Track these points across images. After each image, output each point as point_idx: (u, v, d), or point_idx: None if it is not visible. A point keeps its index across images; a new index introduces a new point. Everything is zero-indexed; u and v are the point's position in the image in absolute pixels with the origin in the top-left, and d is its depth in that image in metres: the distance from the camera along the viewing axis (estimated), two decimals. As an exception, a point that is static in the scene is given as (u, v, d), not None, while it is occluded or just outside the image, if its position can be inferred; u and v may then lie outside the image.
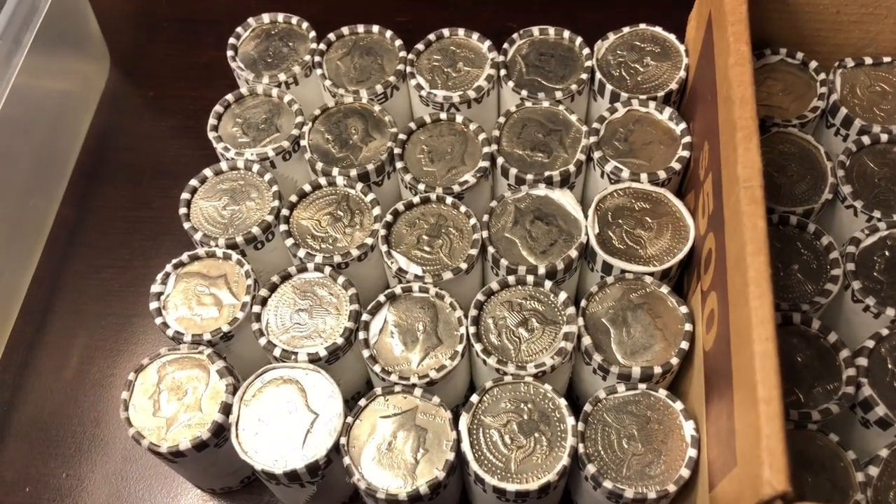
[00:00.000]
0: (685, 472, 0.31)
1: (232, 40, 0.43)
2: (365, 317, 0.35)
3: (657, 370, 0.33)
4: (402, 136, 0.40)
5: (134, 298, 0.44)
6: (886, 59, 0.40)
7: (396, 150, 0.40)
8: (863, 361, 0.33)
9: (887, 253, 0.35)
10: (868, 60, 0.40)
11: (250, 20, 0.44)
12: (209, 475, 0.37)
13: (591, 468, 0.32)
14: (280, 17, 0.44)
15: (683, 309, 0.35)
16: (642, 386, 0.33)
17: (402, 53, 0.43)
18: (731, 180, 0.29)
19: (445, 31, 0.43)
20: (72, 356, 0.43)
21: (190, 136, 0.48)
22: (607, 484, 0.31)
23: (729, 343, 0.29)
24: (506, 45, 0.43)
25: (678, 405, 0.33)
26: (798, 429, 0.32)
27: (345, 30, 0.44)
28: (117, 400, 0.41)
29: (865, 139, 0.38)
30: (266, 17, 0.44)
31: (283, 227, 0.38)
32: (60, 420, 0.42)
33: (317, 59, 0.43)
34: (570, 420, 0.33)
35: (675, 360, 0.34)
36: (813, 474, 0.31)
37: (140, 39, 0.55)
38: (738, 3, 0.32)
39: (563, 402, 0.33)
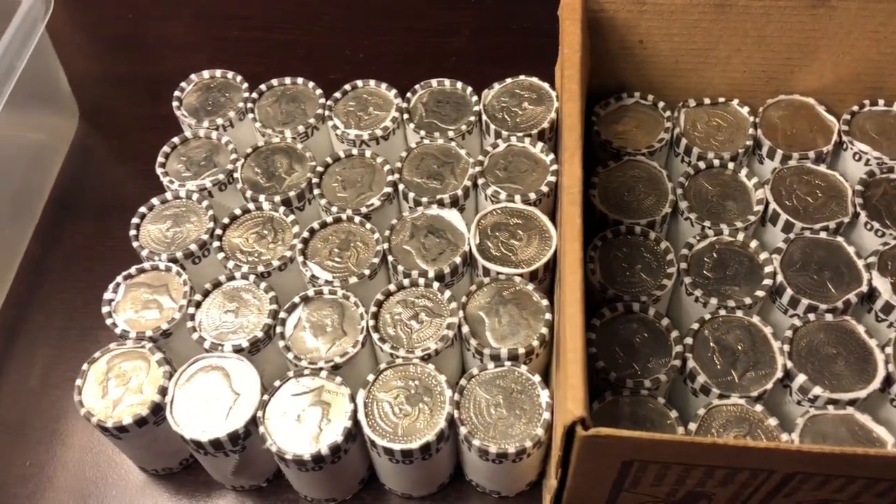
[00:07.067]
0: (539, 431, 0.38)
1: (177, 93, 0.51)
2: (282, 315, 0.42)
3: (521, 351, 0.40)
4: (319, 169, 0.48)
5: (95, 313, 0.50)
6: (721, 100, 0.48)
7: (314, 180, 0.47)
8: (689, 340, 0.40)
9: (715, 255, 0.43)
10: (706, 101, 0.49)
11: (192, 76, 0.52)
12: (151, 453, 0.43)
13: (463, 430, 0.38)
14: (218, 72, 0.52)
15: (545, 302, 0.42)
16: (508, 364, 0.40)
17: (322, 100, 0.51)
18: (561, 189, 0.37)
19: (359, 82, 0.51)
20: (35, 364, 0.50)
21: (146, 177, 0.54)
22: (476, 442, 0.38)
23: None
24: (409, 94, 0.51)
25: (536, 378, 0.40)
26: (633, 395, 0.39)
27: (274, 81, 0.52)
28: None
29: (701, 164, 0.46)
30: (206, 73, 0.52)
31: (216, 244, 0.45)
32: (24, 418, 0.48)
33: (249, 105, 0.50)
34: (448, 392, 0.40)
35: (535, 343, 0.41)
36: (644, 429, 0.38)
37: (106, 95, 0.63)
38: (573, 52, 0.40)
39: (443, 378, 0.40)
